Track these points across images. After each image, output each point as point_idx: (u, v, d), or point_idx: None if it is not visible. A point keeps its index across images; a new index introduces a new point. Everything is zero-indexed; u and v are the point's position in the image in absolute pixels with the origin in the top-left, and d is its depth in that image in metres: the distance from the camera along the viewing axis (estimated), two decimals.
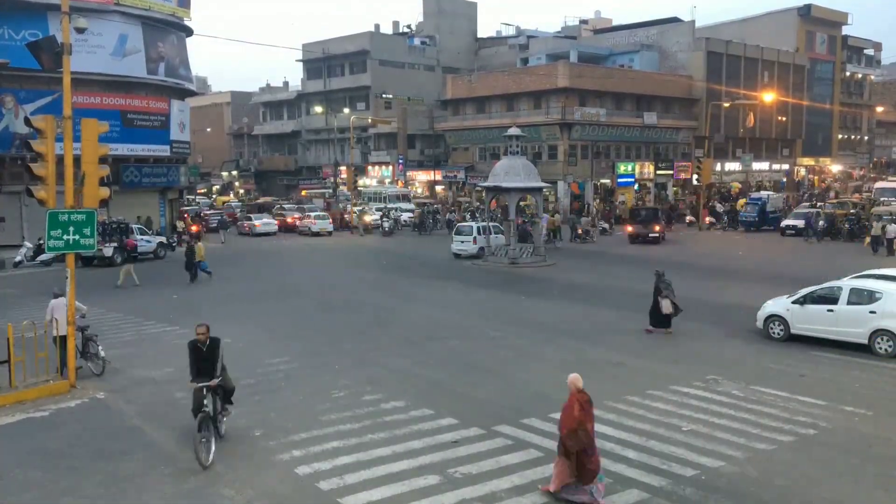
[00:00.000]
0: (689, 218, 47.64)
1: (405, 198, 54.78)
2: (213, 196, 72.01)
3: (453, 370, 14.59)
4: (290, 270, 30.33)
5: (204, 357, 10.47)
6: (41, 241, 28.98)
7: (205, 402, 10.11)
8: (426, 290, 24.87)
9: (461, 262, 32.04)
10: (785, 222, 41.22)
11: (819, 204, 46.20)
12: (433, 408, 12.13)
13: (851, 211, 40.96)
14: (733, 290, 23.89)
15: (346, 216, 48.87)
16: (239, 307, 21.85)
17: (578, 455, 8.44)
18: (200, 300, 23.39)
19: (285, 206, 54.08)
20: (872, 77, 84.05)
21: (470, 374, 14.27)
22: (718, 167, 61.35)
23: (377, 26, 71.07)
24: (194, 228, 40.04)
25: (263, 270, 30.52)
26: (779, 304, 17.07)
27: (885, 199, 45.65)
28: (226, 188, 79.68)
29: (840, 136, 79.30)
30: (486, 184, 34.05)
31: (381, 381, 13.76)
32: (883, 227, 32.35)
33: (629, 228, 39.12)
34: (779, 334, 16.82)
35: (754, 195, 48.64)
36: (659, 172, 59.09)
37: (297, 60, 73.30)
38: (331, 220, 46.46)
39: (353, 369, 14.73)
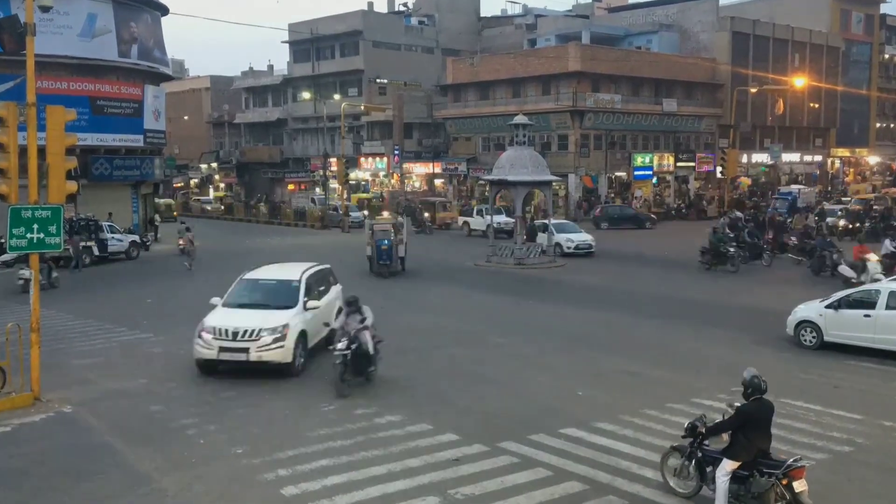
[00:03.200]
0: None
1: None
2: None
3: (454, 381, 14.59)
4: None
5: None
6: (2, 241, 28.97)
7: None
8: (424, 293, 24.88)
9: (462, 263, 32.06)
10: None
11: (844, 199, 46.28)
12: (432, 422, 12.13)
13: (875, 207, 40.79)
14: (758, 292, 23.90)
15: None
16: None
17: None
18: (177, 304, 23.39)
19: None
20: None
21: (472, 386, 14.27)
22: (745, 159, 61.37)
23: (370, 4, 71.16)
24: None
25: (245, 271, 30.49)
26: (811, 309, 17.07)
27: None
28: (205, 181, 79.68)
29: (878, 125, 79.24)
30: (489, 177, 34.03)
31: (374, 394, 13.75)
32: None
33: None
34: (811, 342, 16.83)
35: (784, 189, 48.75)
36: (679, 164, 59.08)
37: (282, 42, 73.39)
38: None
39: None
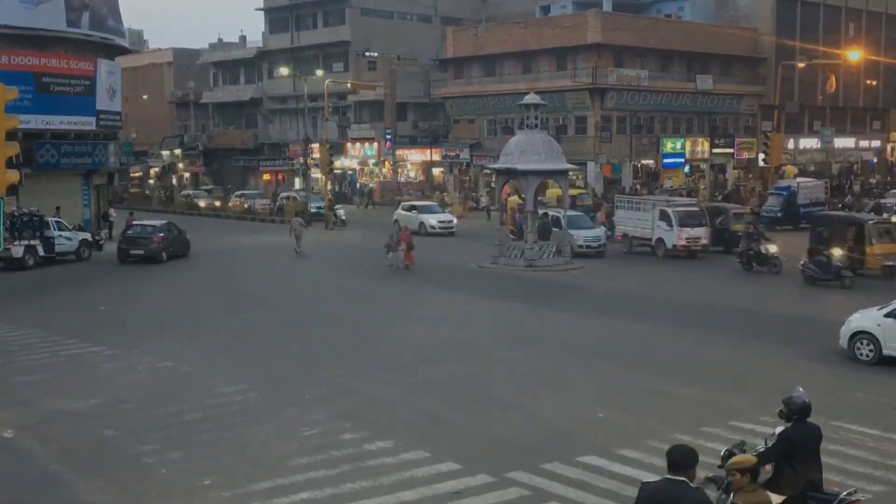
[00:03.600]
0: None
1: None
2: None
3: (455, 401, 14.61)
4: (248, 275, 30.36)
5: None
6: None
7: None
8: (421, 301, 24.95)
9: (464, 264, 32.08)
10: None
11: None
12: (430, 449, 12.14)
13: None
14: (806, 298, 23.91)
15: None
16: (184, 321, 21.91)
17: None
18: (135, 312, 23.41)
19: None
20: None
21: (476, 407, 14.28)
22: (791, 144, 61.40)
23: None
24: None
25: (214, 275, 30.52)
26: (868, 318, 17.07)
27: None
28: (167, 170, 79.70)
29: None
30: (496, 165, 34.04)
31: (363, 416, 13.76)
32: None
33: None
34: (867, 356, 16.83)
35: (783, 183, 46.32)
36: (716, 151, 59.15)
37: (256, 9, 73.38)
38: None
39: (328, 400, 14.74)
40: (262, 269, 32.08)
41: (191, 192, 65.65)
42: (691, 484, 6.07)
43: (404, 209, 45.23)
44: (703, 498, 6.15)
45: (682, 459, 6.14)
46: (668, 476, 6.13)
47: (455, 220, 44.31)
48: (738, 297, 24.71)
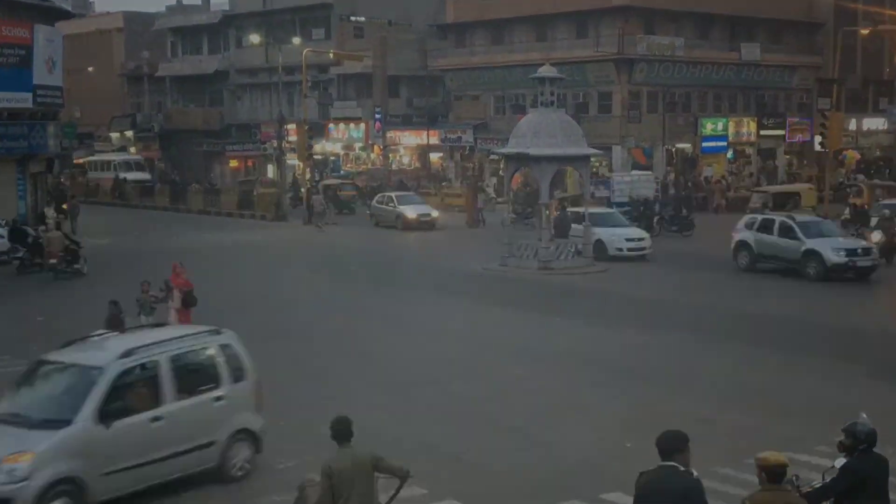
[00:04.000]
0: None
1: None
2: None
3: (457, 429, 14.65)
4: (216, 280, 30.31)
5: None
6: None
7: None
8: (416, 310, 24.98)
9: (467, 266, 32.08)
10: None
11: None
12: (427, 485, 12.13)
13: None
14: (871, 308, 23.91)
15: None
16: None
17: None
18: (78, 323, 23.36)
19: None
20: None
21: (482, 435, 14.32)
22: (853, 125, 61.37)
23: None
24: None
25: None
26: None
27: None
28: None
29: None
30: (504, 150, 34.06)
31: None
32: None
33: None
34: None
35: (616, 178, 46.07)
36: (764, 133, 59.01)
37: None
38: None
39: (307, 427, 14.71)
40: (232, 271, 32.06)
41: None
42: (681, 468, 7.20)
43: (379, 202, 46.40)
44: (690, 480, 7.26)
45: (668, 445, 7.36)
46: (661, 463, 7.29)
47: (434, 213, 44.88)
48: (789, 306, 24.75)
